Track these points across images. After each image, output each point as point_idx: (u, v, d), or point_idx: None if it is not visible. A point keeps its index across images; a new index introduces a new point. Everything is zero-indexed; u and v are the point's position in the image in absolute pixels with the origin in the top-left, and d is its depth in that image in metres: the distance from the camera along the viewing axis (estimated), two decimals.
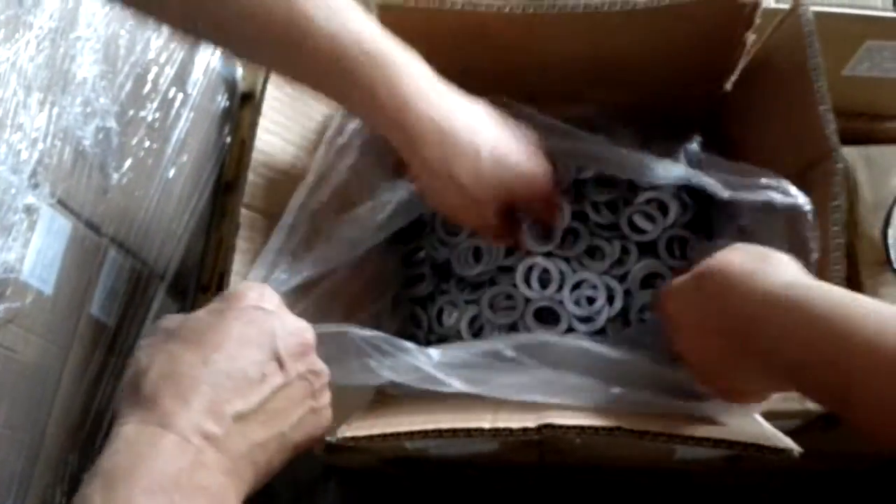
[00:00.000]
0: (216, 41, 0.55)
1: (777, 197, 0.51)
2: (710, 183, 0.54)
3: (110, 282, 0.86)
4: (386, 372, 0.52)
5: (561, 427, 0.48)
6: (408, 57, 0.50)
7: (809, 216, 0.52)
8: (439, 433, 0.49)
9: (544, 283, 0.67)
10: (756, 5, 0.53)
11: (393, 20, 0.57)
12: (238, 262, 0.53)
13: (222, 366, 0.37)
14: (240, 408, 0.37)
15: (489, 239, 0.66)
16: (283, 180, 0.66)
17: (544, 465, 0.97)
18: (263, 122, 0.73)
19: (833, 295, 0.42)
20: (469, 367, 0.52)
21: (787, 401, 0.69)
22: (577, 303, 0.65)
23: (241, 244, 0.55)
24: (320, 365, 0.43)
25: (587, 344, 0.53)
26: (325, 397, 0.44)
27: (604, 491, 1.05)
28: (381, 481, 1.08)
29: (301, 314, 0.58)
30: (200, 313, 0.41)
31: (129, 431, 0.35)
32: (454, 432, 0.49)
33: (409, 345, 0.52)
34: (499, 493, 1.06)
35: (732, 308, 0.45)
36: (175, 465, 0.33)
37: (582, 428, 0.48)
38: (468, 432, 0.49)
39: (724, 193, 0.53)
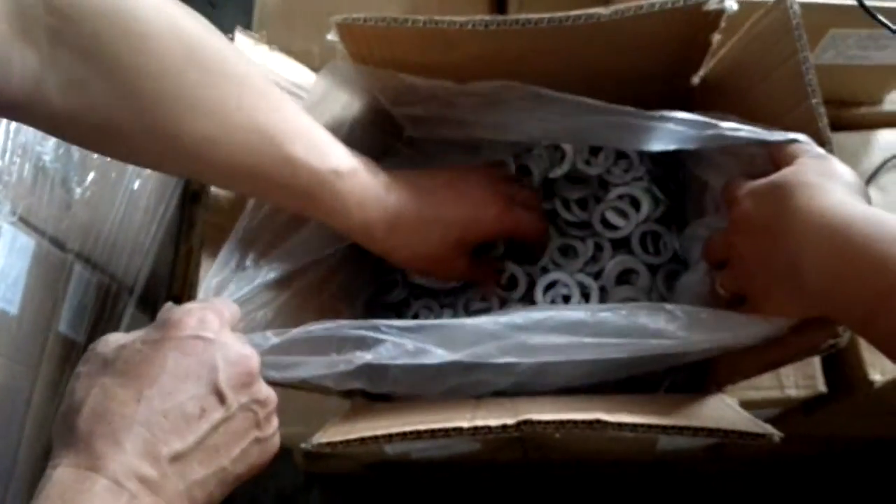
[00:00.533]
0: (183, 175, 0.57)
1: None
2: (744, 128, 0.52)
3: (78, 298, 0.84)
4: (370, 355, 0.50)
5: (539, 423, 0.47)
6: (368, 163, 0.56)
7: None
8: (418, 434, 0.48)
9: (514, 283, 0.66)
10: (721, 11, 0.53)
11: (353, 37, 0.56)
12: (204, 279, 0.52)
13: (157, 403, 0.35)
14: (177, 447, 0.36)
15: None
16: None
17: (528, 462, 0.96)
18: None
19: (878, 218, 0.41)
20: (449, 337, 0.51)
21: (769, 389, 0.69)
22: (552, 302, 0.64)
23: (207, 260, 0.53)
24: (265, 392, 0.42)
25: (567, 312, 0.52)
26: (272, 425, 0.42)
27: (589, 485, 1.05)
28: (364, 487, 1.08)
29: (270, 323, 0.57)
30: (137, 342, 0.38)
31: (60, 475, 0.34)
32: (433, 433, 0.47)
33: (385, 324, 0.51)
34: (484, 493, 1.06)
35: (789, 216, 0.44)
36: None
37: (561, 423, 0.47)
38: (447, 432, 0.48)
39: (766, 135, 0.50)
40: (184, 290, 1.07)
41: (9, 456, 0.75)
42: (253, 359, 0.41)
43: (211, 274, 0.53)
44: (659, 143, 0.55)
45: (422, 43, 0.56)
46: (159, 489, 0.34)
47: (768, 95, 0.56)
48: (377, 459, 0.95)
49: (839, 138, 0.75)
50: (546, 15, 0.53)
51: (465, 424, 0.48)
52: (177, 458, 0.35)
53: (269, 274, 0.56)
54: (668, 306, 0.50)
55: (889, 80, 0.75)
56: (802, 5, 0.63)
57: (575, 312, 0.51)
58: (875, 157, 0.74)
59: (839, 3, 0.63)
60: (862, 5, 0.61)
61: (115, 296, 0.92)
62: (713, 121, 0.52)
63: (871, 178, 0.73)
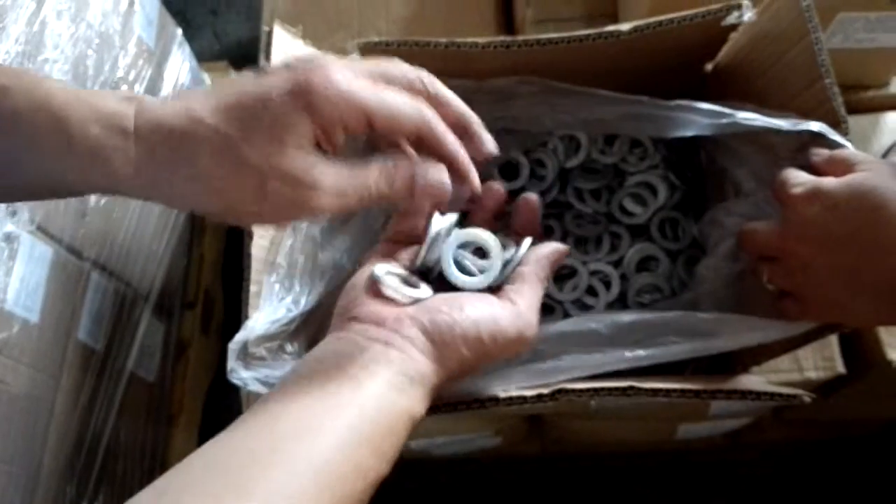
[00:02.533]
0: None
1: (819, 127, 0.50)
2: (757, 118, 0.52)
3: (95, 306, 0.85)
4: None
5: (574, 391, 0.48)
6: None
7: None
8: (453, 407, 0.48)
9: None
10: (738, 25, 0.54)
11: (376, 57, 0.56)
12: (254, 271, 0.52)
13: None
14: None
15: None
16: None
17: (546, 456, 0.97)
18: None
19: None
20: None
21: (788, 372, 0.70)
22: (574, 289, 0.64)
23: (256, 252, 0.53)
24: None
25: (592, 323, 0.52)
26: None
27: (606, 480, 1.05)
28: (384, 484, 1.08)
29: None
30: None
31: None
32: (468, 405, 0.47)
33: None
34: (503, 491, 1.06)
35: (890, 229, 0.42)
36: None
37: (595, 390, 0.48)
38: (482, 403, 0.47)
39: (781, 123, 0.50)
40: (197, 296, 1.08)
41: (34, 465, 0.75)
42: None
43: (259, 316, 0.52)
44: (674, 132, 0.56)
45: (443, 62, 0.56)
46: None
47: (782, 78, 0.56)
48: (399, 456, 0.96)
49: (851, 123, 0.76)
50: (566, 34, 0.54)
51: (500, 394, 0.48)
52: None
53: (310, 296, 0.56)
54: (701, 315, 0.50)
55: (895, 62, 0.76)
56: None
57: (593, 323, 0.51)
58: (885, 139, 0.75)
59: None
60: None
61: (132, 303, 0.92)
62: (728, 110, 0.53)
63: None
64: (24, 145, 0.37)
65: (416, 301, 0.42)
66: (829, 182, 0.46)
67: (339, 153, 0.40)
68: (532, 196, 0.51)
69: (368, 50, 0.56)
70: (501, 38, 0.54)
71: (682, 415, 0.80)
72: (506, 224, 0.52)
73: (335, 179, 0.38)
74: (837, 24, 0.68)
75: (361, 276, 0.44)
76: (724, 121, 0.53)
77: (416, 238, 0.46)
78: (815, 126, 0.51)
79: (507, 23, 0.88)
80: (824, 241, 0.45)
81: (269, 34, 0.56)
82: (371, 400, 0.37)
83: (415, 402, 0.39)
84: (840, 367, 0.69)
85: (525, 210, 0.51)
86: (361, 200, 0.40)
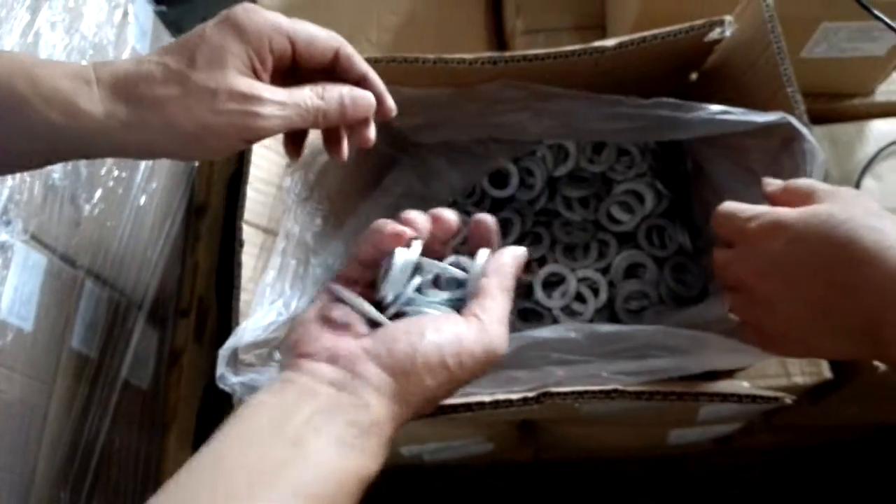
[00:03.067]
0: None
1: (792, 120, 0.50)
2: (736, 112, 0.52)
3: (89, 314, 0.85)
4: None
5: (559, 394, 0.48)
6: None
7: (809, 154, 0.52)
8: (440, 410, 0.48)
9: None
10: (721, 39, 0.55)
11: None
12: (245, 278, 0.53)
13: None
14: None
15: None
16: (280, 195, 0.66)
17: (539, 462, 0.97)
18: None
19: None
20: None
21: (776, 377, 0.70)
22: (563, 296, 0.65)
23: (246, 259, 0.54)
24: None
25: (574, 333, 0.52)
26: None
27: (597, 484, 1.06)
28: (377, 491, 1.08)
29: None
30: None
31: None
32: (454, 408, 0.48)
33: None
34: (495, 497, 1.07)
35: (863, 266, 0.39)
36: None
37: (580, 393, 0.48)
38: (469, 407, 0.48)
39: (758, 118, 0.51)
40: (191, 304, 1.08)
41: (27, 472, 0.75)
42: None
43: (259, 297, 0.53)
44: (655, 134, 0.56)
45: (432, 76, 0.57)
46: None
47: (754, 85, 0.58)
48: (390, 463, 0.96)
49: (834, 129, 0.77)
50: (552, 50, 0.55)
51: (486, 399, 0.48)
52: None
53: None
54: (681, 332, 0.50)
55: (880, 71, 0.77)
56: (795, 0, 0.65)
57: (573, 333, 0.52)
58: (869, 147, 0.76)
59: None
60: (859, 2, 0.63)
61: (125, 311, 0.93)
62: (702, 105, 0.54)
63: (866, 168, 0.75)
64: (5, 110, 0.40)
65: (373, 324, 0.40)
66: (789, 214, 0.43)
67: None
68: (483, 217, 0.47)
69: None
70: (489, 53, 0.56)
71: (672, 420, 0.80)
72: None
73: (274, 94, 0.43)
74: (821, 33, 0.69)
75: (313, 310, 0.42)
76: (700, 115, 0.54)
77: (370, 274, 0.45)
78: (776, 116, 0.51)
79: (498, 32, 0.89)
80: (790, 277, 0.42)
81: None
82: (313, 467, 0.35)
83: (366, 458, 0.37)
84: (827, 373, 0.70)
85: (477, 232, 0.47)
86: (300, 114, 0.44)
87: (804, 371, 0.70)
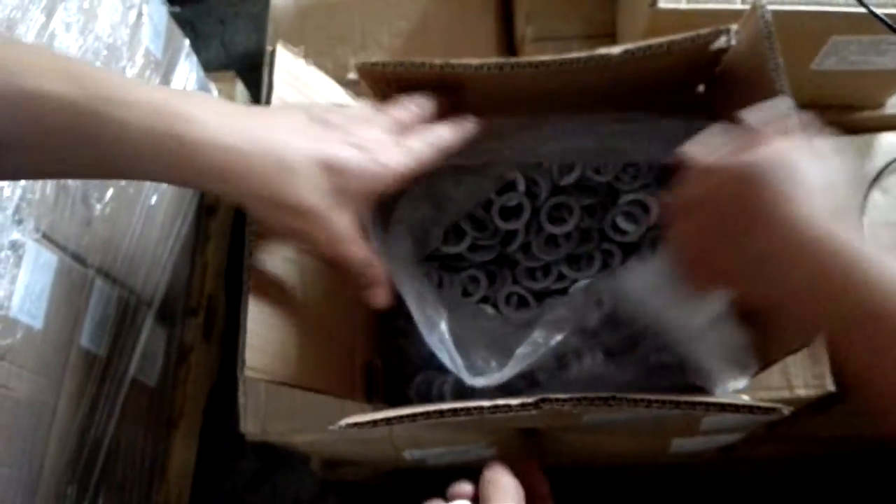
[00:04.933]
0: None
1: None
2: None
3: (99, 312, 0.86)
4: None
5: (557, 400, 0.49)
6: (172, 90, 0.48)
7: None
8: (440, 414, 0.49)
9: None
10: (727, 49, 0.55)
11: (373, 77, 0.59)
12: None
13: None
14: None
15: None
16: None
17: (542, 468, 0.98)
18: None
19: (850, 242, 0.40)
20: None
21: (778, 389, 0.70)
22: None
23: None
24: None
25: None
26: None
27: (602, 491, 1.06)
28: (379, 495, 1.09)
29: None
30: None
31: None
32: (455, 412, 0.48)
33: None
34: None
35: (765, 216, 0.43)
36: None
37: (578, 400, 0.49)
38: (469, 411, 0.49)
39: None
40: (200, 304, 1.09)
41: (35, 467, 0.76)
42: None
43: None
44: (661, 150, 0.57)
45: (438, 81, 0.58)
46: None
47: (756, 98, 0.57)
48: (394, 466, 0.97)
49: (842, 142, 0.77)
50: (558, 57, 0.55)
51: (486, 404, 0.49)
52: None
53: None
54: None
55: (890, 84, 0.77)
56: (801, 13, 0.65)
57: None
58: (878, 160, 0.76)
59: (838, 9, 0.65)
60: (871, 12, 0.62)
61: (135, 309, 0.94)
62: (702, 122, 0.54)
63: (874, 181, 0.74)
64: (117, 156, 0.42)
65: None
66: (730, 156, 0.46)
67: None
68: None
69: (366, 71, 0.57)
70: (495, 59, 0.56)
71: (675, 429, 0.80)
72: None
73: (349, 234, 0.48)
74: (831, 46, 0.69)
75: None
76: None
77: None
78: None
79: (508, 38, 0.89)
80: (715, 214, 0.46)
81: (272, 53, 0.58)
82: None
83: None
84: (830, 385, 0.70)
85: None
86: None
87: (807, 384, 0.70)
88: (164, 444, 1.02)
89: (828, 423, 0.85)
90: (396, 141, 0.50)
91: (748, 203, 0.43)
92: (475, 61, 0.56)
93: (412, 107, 0.54)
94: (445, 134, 0.54)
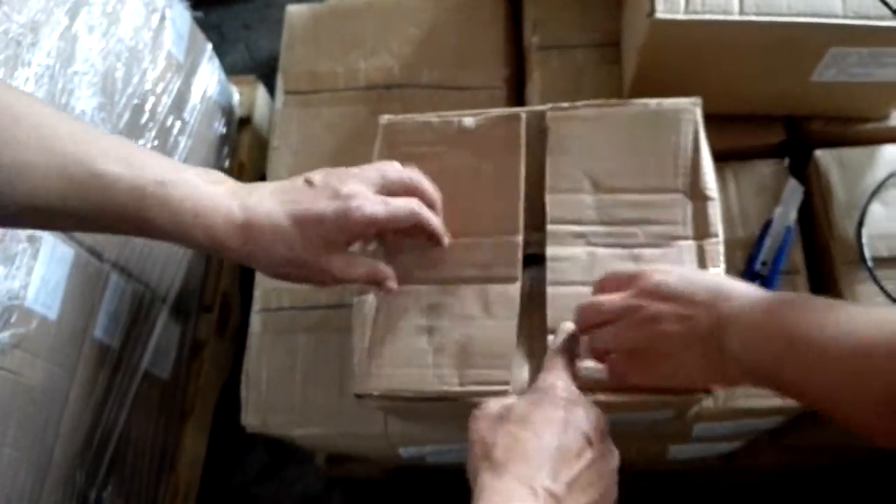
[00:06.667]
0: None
1: None
2: None
3: (113, 306, 0.89)
4: None
5: None
6: (199, 171, 0.53)
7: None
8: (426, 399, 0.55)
9: None
10: None
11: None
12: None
13: (549, 441, 0.44)
14: (568, 475, 0.43)
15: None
16: None
17: None
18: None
19: (807, 305, 0.45)
20: None
21: (771, 397, 0.71)
22: None
23: None
24: (612, 446, 0.49)
25: None
26: (615, 476, 0.48)
27: None
28: (383, 491, 1.11)
29: None
30: (521, 402, 0.47)
31: (489, 482, 0.42)
32: (444, 398, 0.55)
33: None
34: None
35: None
36: None
37: None
38: (453, 398, 0.55)
39: None
40: (215, 300, 1.12)
41: (45, 453, 0.79)
42: (603, 417, 0.48)
43: None
44: None
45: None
46: (560, 502, 0.43)
47: None
48: (395, 464, 0.98)
49: (843, 153, 0.77)
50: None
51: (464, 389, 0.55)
52: (569, 483, 0.43)
53: None
54: None
55: (893, 95, 0.77)
56: (800, 25, 0.65)
57: None
58: (880, 172, 0.76)
59: (837, 22, 0.65)
60: (887, 5, 0.63)
61: (149, 304, 0.97)
62: None
63: (875, 192, 0.74)
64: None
65: None
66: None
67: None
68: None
69: (390, 129, 0.65)
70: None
71: (666, 435, 0.81)
72: None
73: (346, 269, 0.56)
74: (830, 57, 0.69)
75: None
76: None
77: None
78: None
79: (517, 46, 0.91)
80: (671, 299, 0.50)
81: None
82: None
83: None
84: None
85: None
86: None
87: None
88: (175, 436, 1.04)
89: (830, 434, 0.85)
90: (377, 195, 0.56)
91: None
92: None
93: (406, 172, 0.59)
94: (432, 220, 0.59)
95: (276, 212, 0.53)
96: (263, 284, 0.80)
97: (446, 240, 0.61)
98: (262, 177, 1.12)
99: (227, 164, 1.17)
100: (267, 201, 0.53)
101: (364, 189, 0.55)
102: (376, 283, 0.59)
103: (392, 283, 0.59)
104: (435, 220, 0.59)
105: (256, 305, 0.79)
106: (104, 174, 0.47)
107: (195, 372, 1.08)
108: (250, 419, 0.75)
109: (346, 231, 0.54)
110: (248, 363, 0.77)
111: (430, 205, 0.60)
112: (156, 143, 0.98)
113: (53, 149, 0.46)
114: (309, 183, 0.55)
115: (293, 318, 0.78)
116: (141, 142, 0.94)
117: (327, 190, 0.54)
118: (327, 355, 0.76)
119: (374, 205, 0.54)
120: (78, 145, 0.47)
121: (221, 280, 1.14)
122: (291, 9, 0.94)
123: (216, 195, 0.52)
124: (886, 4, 0.64)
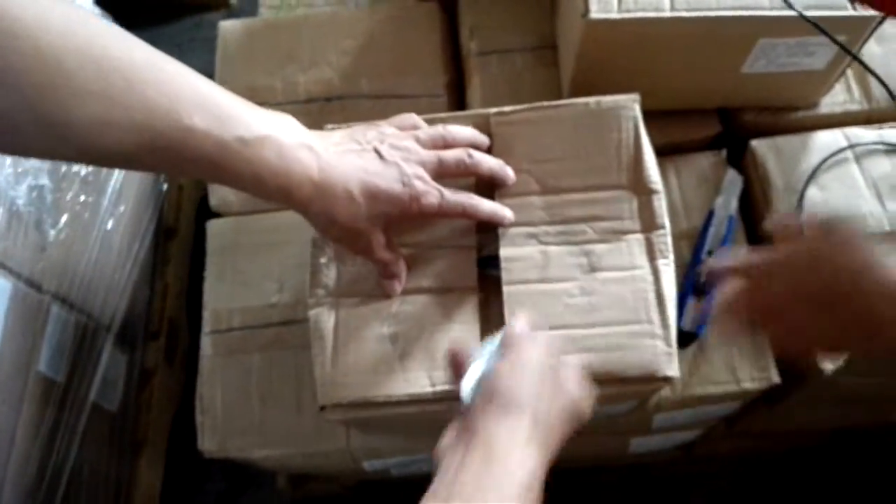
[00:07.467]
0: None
1: None
2: None
3: (56, 338, 0.86)
4: None
5: None
6: (282, 126, 0.54)
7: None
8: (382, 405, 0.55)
9: None
10: None
11: None
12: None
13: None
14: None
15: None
16: None
17: None
18: None
19: None
20: None
21: (726, 384, 0.72)
22: None
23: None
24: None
25: None
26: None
27: (564, 494, 1.07)
28: None
29: None
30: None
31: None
32: (399, 403, 0.55)
33: None
34: None
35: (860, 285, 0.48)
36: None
37: None
38: (414, 401, 0.55)
39: None
40: (161, 326, 1.09)
41: None
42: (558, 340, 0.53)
43: None
44: None
45: None
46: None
47: None
48: (358, 480, 0.97)
49: (778, 141, 0.79)
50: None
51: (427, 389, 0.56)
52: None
53: None
54: None
55: (821, 84, 0.79)
56: (728, 18, 0.67)
57: None
58: (814, 158, 0.78)
59: (764, 13, 0.67)
60: (802, 15, 0.65)
61: (93, 334, 0.94)
62: None
63: (811, 177, 0.77)
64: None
65: None
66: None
67: None
68: None
69: None
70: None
71: (628, 428, 0.82)
72: None
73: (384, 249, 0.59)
74: (759, 49, 0.71)
75: None
76: None
77: None
78: None
79: (455, 52, 0.91)
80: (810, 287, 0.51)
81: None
82: None
83: None
84: (775, 377, 0.72)
85: None
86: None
87: (752, 377, 0.72)
88: (129, 468, 1.01)
89: (779, 417, 0.87)
90: (435, 185, 0.58)
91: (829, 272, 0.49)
92: None
93: (462, 156, 0.60)
94: (480, 209, 0.60)
95: (352, 181, 0.56)
96: (212, 304, 0.78)
97: (507, 215, 0.62)
98: (203, 197, 1.10)
99: (165, 186, 1.15)
100: (342, 164, 0.56)
101: (426, 175, 0.58)
102: (393, 275, 0.61)
103: (398, 286, 0.61)
104: (486, 208, 0.61)
105: (206, 327, 0.77)
106: (191, 128, 0.49)
107: (145, 402, 1.05)
108: (207, 444, 0.73)
109: (404, 215, 0.57)
110: (202, 387, 0.75)
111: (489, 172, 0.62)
112: (90, 168, 0.95)
113: (143, 102, 0.47)
114: (378, 154, 0.57)
115: (245, 337, 0.77)
116: (75, 168, 0.92)
117: (396, 169, 0.57)
118: (283, 373, 0.75)
119: (432, 197, 0.58)
120: (167, 97, 0.48)
121: (167, 304, 1.11)
122: (225, 24, 0.92)
123: (295, 159, 0.54)
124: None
